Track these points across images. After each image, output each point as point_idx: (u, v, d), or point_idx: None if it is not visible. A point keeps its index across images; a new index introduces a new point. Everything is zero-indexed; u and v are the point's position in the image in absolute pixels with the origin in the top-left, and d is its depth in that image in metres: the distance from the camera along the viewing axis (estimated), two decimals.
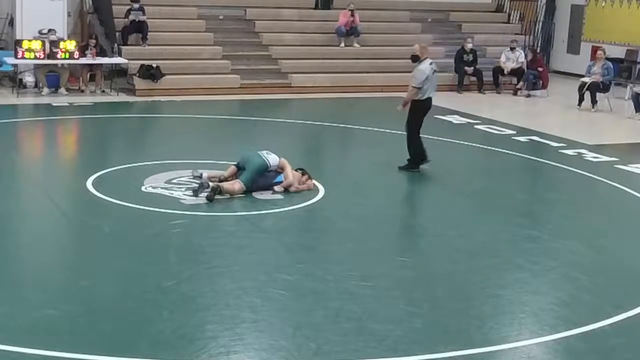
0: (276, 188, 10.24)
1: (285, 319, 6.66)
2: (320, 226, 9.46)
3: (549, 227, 9.55)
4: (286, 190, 10.24)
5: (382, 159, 12.86)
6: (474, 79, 20.61)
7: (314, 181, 10.57)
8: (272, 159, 10.28)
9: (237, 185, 9.98)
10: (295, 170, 10.46)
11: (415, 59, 11.58)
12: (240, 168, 10.24)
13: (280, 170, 10.32)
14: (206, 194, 9.74)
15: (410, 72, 19.09)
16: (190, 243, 8.35)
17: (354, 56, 20.67)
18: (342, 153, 14.13)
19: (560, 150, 13.74)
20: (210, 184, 9.89)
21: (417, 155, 11.74)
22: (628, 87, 18.88)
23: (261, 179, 10.17)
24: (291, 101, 18.44)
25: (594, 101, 18.27)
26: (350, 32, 20.73)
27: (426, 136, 14.51)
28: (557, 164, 12.70)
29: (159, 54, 18.67)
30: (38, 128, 14.94)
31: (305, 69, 19.73)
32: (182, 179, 10.59)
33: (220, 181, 10.09)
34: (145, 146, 13.88)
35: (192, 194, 9.84)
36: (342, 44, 20.72)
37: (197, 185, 9.95)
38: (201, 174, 10.38)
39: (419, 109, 11.62)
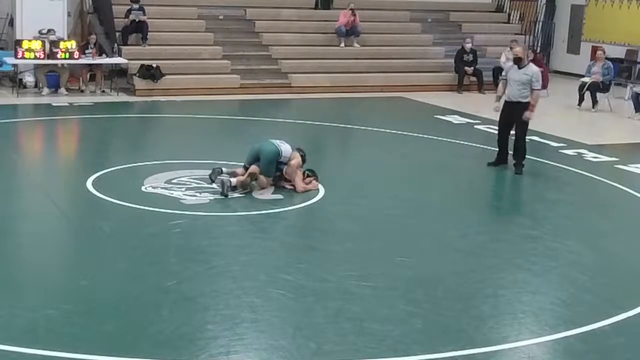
0: (287, 186, 10.31)
1: (285, 319, 6.65)
2: (320, 226, 9.46)
3: (549, 227, 9.55)
4: (290, 185, 10.30)
5: (382, 159, 12.87)
6: (474, 79, 20.62)
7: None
8: (285, 149, 10.34)
9: (265, 179, 10.23)
10: (305, 171, 10.48)
11: (518, 61, 11.64)
12: (253, 162, 10.25)
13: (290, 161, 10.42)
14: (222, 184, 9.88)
15: (409, 72, 18.99)
16: (190, 243, 8.35)
17: (354, 56, 20.67)
18: (342, 153, 14.13)
19: (560, 150, 13.74)
20: (232, 180, 10.00)
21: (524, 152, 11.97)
22: (628, 87, 18.88)
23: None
24: (291, 101, 18.44)
25: (594, 101, 18.28)
26: (350, 32, 20.73)
27: (426, 136, 14.59)
28: (557, 164, 12.69)
29: (159, 54, 18.69)
30: (38, 128, 14.94)
31: (305, 69, 19.74)
32: (182, 179, 10.59)
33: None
34: (145, 146, 13.89)
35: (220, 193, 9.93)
36: (342, 44, 20.73)
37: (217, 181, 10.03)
38: (221, 169, 10.34)
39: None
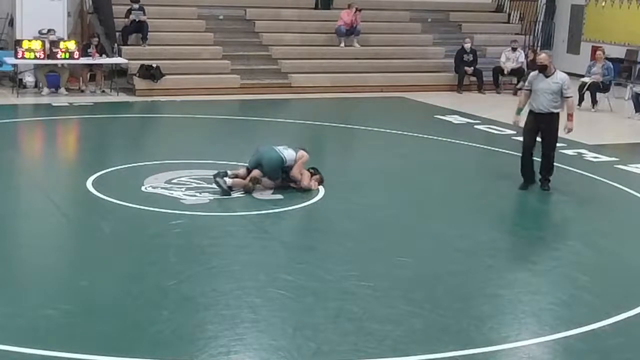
0: (293, 185, 10.30)
1: (285, 319, 6.65)
2: (320, 226, 9.46)
3: (549, 227, 9.55)
4: (295, 185, 10.30)
5: (382, 159, 12.86)
6: (474, 79, 20.61)
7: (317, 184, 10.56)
8: (289, 154, 10.28)
9: (269, 181, 10.24)
10: (309, 169, 10.47)
11: (543, 69, 10.79)
12: (255, 167, 10.23)
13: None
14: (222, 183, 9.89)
15: (409, 72, 18.91)
16: (190, 243, 8.35)
17: (354, 56, 20.67)
18: (342, 153, 14.12)
19: (560, 150, 13.66)
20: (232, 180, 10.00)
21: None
22: (628, 87, 18.86)
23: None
24: (291, 101, 18.44)
25: (594, 101, 18.28)
26: (350, 31, 20.73)
27: (426, 136, 14.59)
28: (557, 164, 12.67)
29: (159, 54, 18.67)
30: (38, 128, 14.94)
31: (305, 69, 19.73)
32: (182, 179, 10.59)
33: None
34: (145, 146, 13.88)
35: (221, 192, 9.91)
36: (342, 44, 20.72)
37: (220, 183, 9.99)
38: (226, 172, 10.28)
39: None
